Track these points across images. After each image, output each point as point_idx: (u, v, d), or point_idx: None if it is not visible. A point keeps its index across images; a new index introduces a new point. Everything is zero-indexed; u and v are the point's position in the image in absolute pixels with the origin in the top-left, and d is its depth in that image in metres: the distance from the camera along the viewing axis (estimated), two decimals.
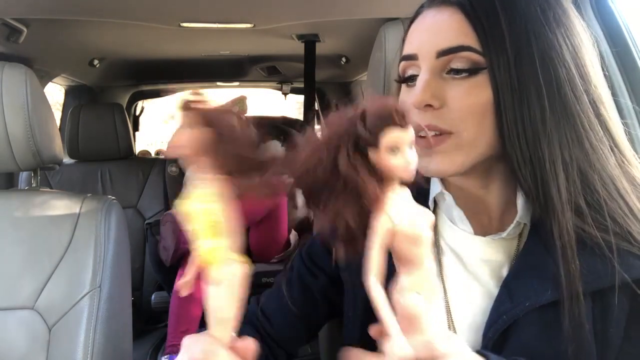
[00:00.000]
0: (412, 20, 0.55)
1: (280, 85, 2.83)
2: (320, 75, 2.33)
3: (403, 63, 0.53)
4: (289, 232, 1.78)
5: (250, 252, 1.78)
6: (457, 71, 0.48)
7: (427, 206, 0.59)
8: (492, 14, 0.48)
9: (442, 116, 0.49)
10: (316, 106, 2.90)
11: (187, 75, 2.69)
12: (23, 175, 1.80)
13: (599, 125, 0.49)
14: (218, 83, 2.95)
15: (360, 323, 0.60)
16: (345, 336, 0.64)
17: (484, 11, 0.48)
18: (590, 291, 0.47)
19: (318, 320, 0.72)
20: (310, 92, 2.14)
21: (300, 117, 2.18)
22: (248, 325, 0.70)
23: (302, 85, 2.19)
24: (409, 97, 0.51)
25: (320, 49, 1.96)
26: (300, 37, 1.86)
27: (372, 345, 0.59)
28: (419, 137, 0.50)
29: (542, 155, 0.47)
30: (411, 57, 0.51)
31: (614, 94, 0.96)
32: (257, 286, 1.68)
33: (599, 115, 0.50)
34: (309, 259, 0.68)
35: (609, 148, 0.50)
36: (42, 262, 0.90)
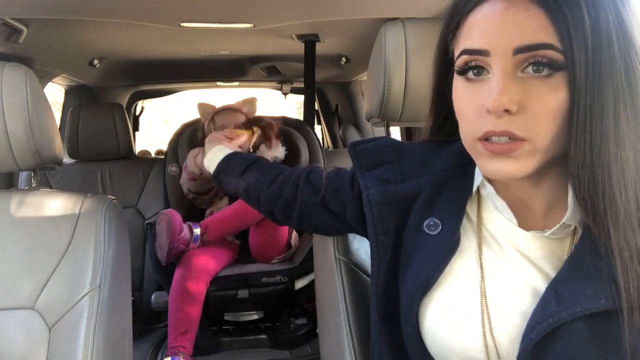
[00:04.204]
0: (467, 10, 0.50)
1: (280, 85, 2.82)
2: (320, 75, 2.33)
3: (466, 57, 0.49)
4: (290, 233, 1.77)
5: (250, 253, 1.78)
6: (536, 69, 0.45)
7: (470, 191, 0.59)
8: (576, 11, 0.44)
9: (518, 122, 0.46)
10: (316, 106, 2.91)
11: (187, 75, 2.69)
12: (23, 175, 1.80)
13: None
14: (218, 83, 2.94)
15: (384, 280, 0.62)
16: (372, 292, 0.67)
17: (568, 7, 0.44)
18: None
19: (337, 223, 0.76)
20: (310, 92, 2.14)
21: (300, 117, 2.17)
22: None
23: (302, 85, 2.19)
24: (477, 103, 0.48)
25: (320, 49, 1.96)
26: (300, 37, 1.85)
27: (393, 300, 0.62)
28: (491, 142, 0.48)
29: (608, 164, 0.45)
30: (480, 52, 0.47)
31: None
32: (257, 286, 1.68)
33: None
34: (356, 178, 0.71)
35: None
36: (42, 262, 0.90)
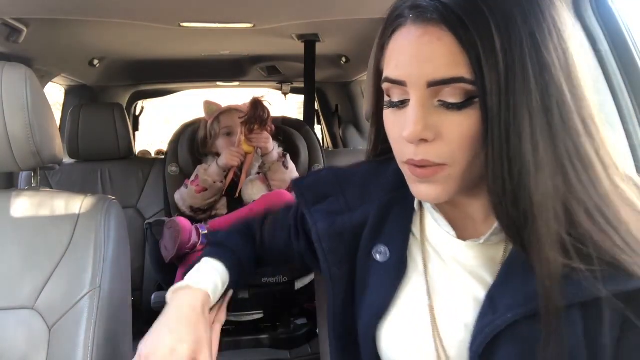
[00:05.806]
0: (393, 28, 0.50)
1: (280, 85, 2.83)
2: (320, 75, 2.33)
3: (387, 84, 0.50)
4: None
5: None
6: (448, 103, 0.46)
7: (413, 208, 0.60)
8: (487, 38, 0.43)
9: (435, 149, 0.47)
10: (316, 106, 2.91)
11: (187, 75, 2.69)
12: (23, 175, 1.80)
13: (590, 148, 0.46)
14: (218, 83, 2.95)
15: (340, 311, 0.63)
16: (328, 322, 0.67)
17: (478, 34, 0.43)
18: (578, 302, 0.46)
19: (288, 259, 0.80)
20: (310, 92, 2.14)
21: (300, 117, 2.17)
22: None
23: (302, 85, 2.19)
24: (400, 128, 0.49)
25: (320, 49, 1.96)
26: (300, 37, 1.86)
27: (349, 326, 0.62)
28: (414, 165, 0.49)
29: (529, 191, 0.44)
30: (399, 83, 0.48)
31: (613, 94, 0.97)
32: (257, 286, 1.68)
33: (590, 137, 0.46)
34: (300, 219, 0.71)
35: (599, 172, 0.46)
36: (42, 262, 0.90)
